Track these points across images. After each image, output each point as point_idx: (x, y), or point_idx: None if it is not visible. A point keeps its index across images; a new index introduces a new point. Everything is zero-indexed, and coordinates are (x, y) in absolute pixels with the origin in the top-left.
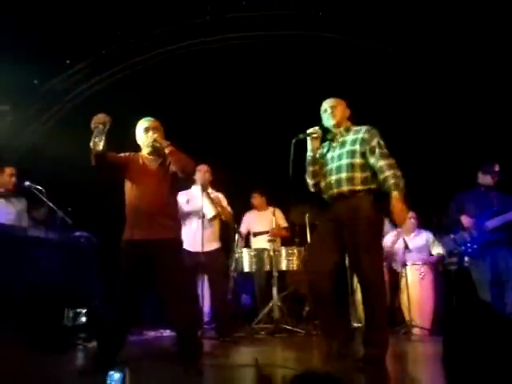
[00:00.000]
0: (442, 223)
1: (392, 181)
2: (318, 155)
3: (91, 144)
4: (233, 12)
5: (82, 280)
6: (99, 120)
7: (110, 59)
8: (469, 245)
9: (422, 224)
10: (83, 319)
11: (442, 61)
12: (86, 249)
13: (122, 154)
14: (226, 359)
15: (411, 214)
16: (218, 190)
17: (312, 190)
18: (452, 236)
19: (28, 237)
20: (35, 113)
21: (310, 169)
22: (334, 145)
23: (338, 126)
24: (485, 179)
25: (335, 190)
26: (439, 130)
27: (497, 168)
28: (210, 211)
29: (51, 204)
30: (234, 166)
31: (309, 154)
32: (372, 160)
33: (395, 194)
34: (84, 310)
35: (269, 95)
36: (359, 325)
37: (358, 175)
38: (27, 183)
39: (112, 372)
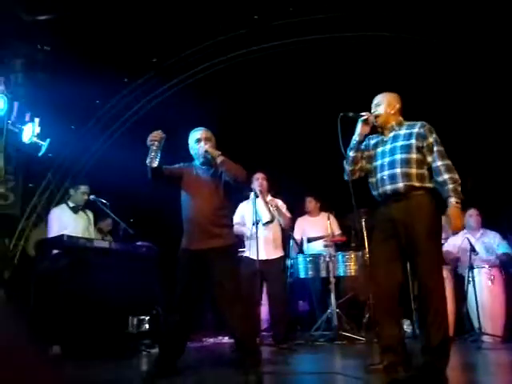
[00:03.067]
0: None
1: (450, 186)
2: (363, 145)
3: (147, 160)
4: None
5: (144, 288)
6: (155, 137)
7: (164, 74)
8: None
9: (488, 223)
10: (146, 326)
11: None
12: (147, 258)
13: (177, 166)
14: (285, 366)
15: (473, 210)
16: (276, 197)
17: (347, 177)
18: None
19: (94, 248)
20: (99, 131)
21: (351, 154)
22: (384, 139)
23: (384, 123)
24: None
25: (388, 187)
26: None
27: None
28: (264, 216)
29: (114, 216)
30: (287, 173)
31: (355, 137)
32: (429, 158)
33: (453, 200)
34: (147, 318)
35: (321, 100)
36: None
37: (414, 171)
38: (93, 197)
39: None
